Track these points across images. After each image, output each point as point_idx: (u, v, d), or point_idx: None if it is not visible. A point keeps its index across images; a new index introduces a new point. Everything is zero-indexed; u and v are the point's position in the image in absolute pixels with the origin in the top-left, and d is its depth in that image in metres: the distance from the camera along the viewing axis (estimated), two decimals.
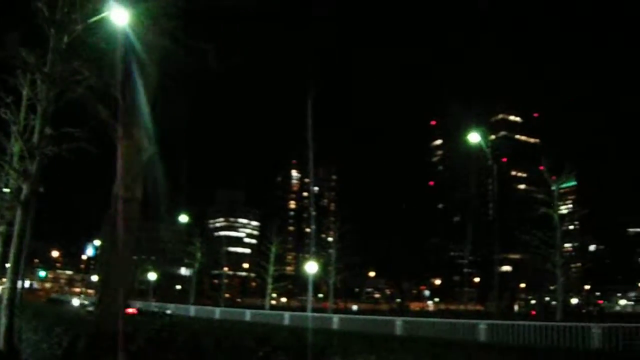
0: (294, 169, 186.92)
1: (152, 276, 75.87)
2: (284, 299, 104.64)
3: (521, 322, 22.52)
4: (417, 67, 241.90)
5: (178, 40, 11.38)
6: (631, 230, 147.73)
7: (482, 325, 23.17)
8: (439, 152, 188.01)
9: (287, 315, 37.00)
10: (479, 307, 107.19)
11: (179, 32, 11.33)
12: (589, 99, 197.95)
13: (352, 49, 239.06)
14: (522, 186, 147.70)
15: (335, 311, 51.41)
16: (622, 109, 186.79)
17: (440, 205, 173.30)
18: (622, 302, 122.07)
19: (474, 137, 32.38)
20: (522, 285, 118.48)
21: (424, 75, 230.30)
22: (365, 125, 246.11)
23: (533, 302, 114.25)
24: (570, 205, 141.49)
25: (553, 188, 35.23)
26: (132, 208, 11.52)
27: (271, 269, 60.58)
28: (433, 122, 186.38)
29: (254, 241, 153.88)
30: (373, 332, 24.57)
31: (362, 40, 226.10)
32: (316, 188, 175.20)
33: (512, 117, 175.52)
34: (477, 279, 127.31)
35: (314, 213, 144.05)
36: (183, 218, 69.59)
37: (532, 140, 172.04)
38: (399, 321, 27.40)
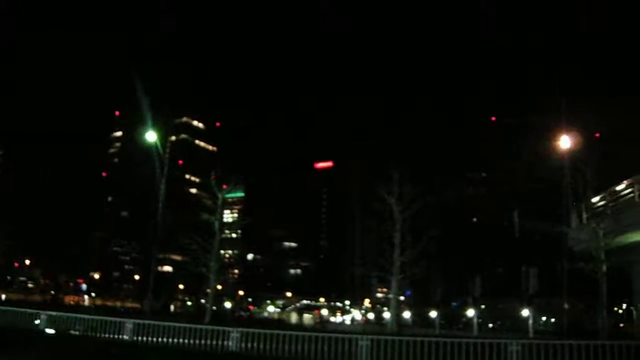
0: None
1: None
2: None
3: (170, 323, 22.93)
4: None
5: None
6: (285, 243, 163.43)
7: (129, 324, 23.15)
8: (117, 144, 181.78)
9: None
10: (136, 305, 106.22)
11: None
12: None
13: None
14: (194, 190, 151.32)
15: None
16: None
17: (110, 199, 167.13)
18: (271, 308, 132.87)
19: (150, 136, 32.11)
20: (181, 286, 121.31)
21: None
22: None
23: (189, 303, 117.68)
24: (236, 215, 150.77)
25: (219, 196, 36.76)
26: None
27: None
28: (117, 113, 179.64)
29: None
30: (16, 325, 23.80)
31: None
32: None
33: (195, 123, 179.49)
34: (137, 277, 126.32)
35: None
36: None
37: (210, 147, 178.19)
38: (43, 315, 26.13)
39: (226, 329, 21.34)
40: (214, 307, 43.80)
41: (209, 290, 39.79)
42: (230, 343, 20.56)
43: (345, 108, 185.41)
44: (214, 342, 20.83)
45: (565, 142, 26.96)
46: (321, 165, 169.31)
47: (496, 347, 15.81)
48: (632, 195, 30.37)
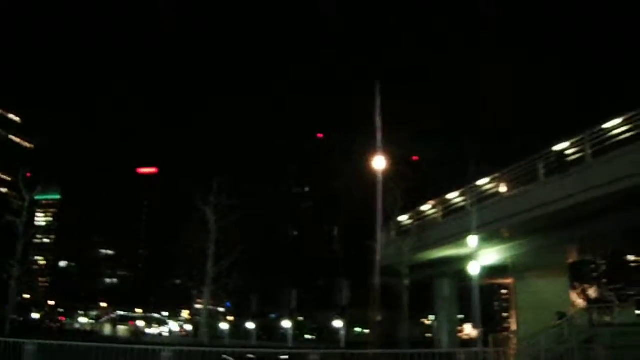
0: None
1: None
2: None
3: None
4: None
5: None
6: (102, 251, 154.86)
7: None
8: None
9: None
10: None
11: None
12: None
13: None
14: (4, 190, 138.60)
15: None
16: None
17: None
18: (83, 320, 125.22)
19: None
20: None
21: None
22: None
23: None
24: (51, 219, 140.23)
25: (26, 197, 34.05)
26: None
27: None
28: None
29: None
30: None
31: None
32: None
33: (11, 115, 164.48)
34: None
35: None
36: None
37: (28, 144, 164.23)
38: None
39: (24, 341, 19.67)
40: (21, 318, 40.23)
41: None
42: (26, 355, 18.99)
43: (177, 113, 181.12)
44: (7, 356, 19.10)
45: (379, 162, 28.58)
46: (145, 170, 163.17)
47: (297, 356, 16.33)
48: (436, 215, 33.20)
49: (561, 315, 29.77)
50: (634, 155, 20.98)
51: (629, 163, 21.00)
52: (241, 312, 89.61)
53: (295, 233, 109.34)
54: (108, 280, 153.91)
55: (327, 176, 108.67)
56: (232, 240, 33.44)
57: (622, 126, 22.06)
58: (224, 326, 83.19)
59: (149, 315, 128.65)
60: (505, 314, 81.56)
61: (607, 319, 28.85)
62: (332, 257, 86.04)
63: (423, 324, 71.05)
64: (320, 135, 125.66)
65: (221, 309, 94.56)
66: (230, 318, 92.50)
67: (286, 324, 71.88)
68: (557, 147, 25.00)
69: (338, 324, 70.33)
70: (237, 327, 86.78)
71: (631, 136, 21.43)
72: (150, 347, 17.77)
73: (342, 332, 69.52)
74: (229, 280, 33.22)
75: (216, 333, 71.94)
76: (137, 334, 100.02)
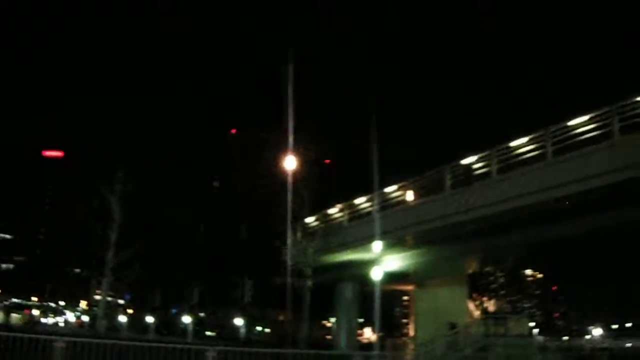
0: None
1: None
2: None
3: None
4: None
5: None
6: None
7: None
8: None
9: None
10: None
11: None
12: None
13: None
14: None
15: None
16: None
17: None
18: None
19: None
20: None
21: None
22: None
23: None
24: None
25: None
26: None
27: None
28: None
29: None
30: None
31: None
32: None
33: None
34: None
35: None
36: None
37: None
38: None
39: None
40: None
41: None
42: None
43: (89, 97, 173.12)
44: None
45: (290, 163, 28.24)
46: (50, 153, 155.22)
47: (194, 352, 15.71)
48: (342, 219, 33.14)
49: (452, 326, 30.65)
50: (538, 173, 21.57)
51: (533, 180, 21.58)
52: (141, 305, 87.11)
53: (203, 228, 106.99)
54: (4, 266, 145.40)
55: (238, 173, 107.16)
56: (135, 231, 32.20)
57: (528, 145, 22.64)
58: (122, 319, 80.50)
59: (45, 304, 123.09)
60: (405, 320, 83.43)
61: (502, 329, 29.73)
62: (238, 255, 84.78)
63: (324, 325, 71.39)
64: (233, 131, 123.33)
65: (121, 301, 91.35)
66: (130, 311, 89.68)
67: (187, 319, 70.31)
68: (465, 161, 25.40)
69: (239, 321, 69.60)
70: (136, 320, 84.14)
71: (536, 155, 22.01)
72: (43, 336, 16.72)
73: (243, 330, 68.84)
74: (129, 271, 31.89)
75: (114, 325, 69.45)
76: (32, 323, 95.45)
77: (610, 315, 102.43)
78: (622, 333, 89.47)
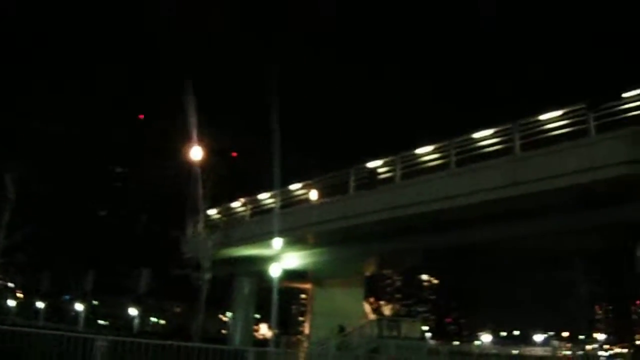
0: None
1: None
2: None
3: None
4: None
5: None
6: None
7: None
8: None
9: None
10: None
11: None
12: None
13: None
14: None
15: None
16: None
17: None
18: None
19: None
20: None
21: None
22: None
23: None
24: None
25: None
26: None
27: None
28: None
29: None
30: None
31: None
32: None
33: None
34: None
35: None
36: None
37: None
38: None
39: None
40: None
41: None
42: None
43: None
44: None
45: (195, 153, 27.50)
46: None
47: (83, 341, 14.78)
48: (244, 213, 32.66)
49: (341, 329, 31.03)
50: (439, 181, 22.00)
51: (435, 188, 21.97)
52: (31, 289, 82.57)
53: (103, 214, 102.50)
54: None
55: (142, 159, 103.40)
56: (30, 212, 30.43)
57: (432, 154, 23.05)
58: (11, 303, 75.92)
59: None
60: (301, 318, 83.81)
61: (395, 332, 30.30)
62: (136, 243, 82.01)
63: (220, 320, 70.50)
64: (141, 116, 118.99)
65: (11, 285, 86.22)
66: (20, 295, 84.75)
67: (79, 307, 67.23)
68: (371, 164, 25.58)
69: (133, 311, 67.38)
70: (26, 305, 79.60)
71: (440, 164, 22.43)
72: None
73: (137, 321, 66.71)
74: (19, 254, 30.09)
75: (1, 309, 65.53)
76: None
77: (499, 322, 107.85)
78: (510, 340, 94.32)
